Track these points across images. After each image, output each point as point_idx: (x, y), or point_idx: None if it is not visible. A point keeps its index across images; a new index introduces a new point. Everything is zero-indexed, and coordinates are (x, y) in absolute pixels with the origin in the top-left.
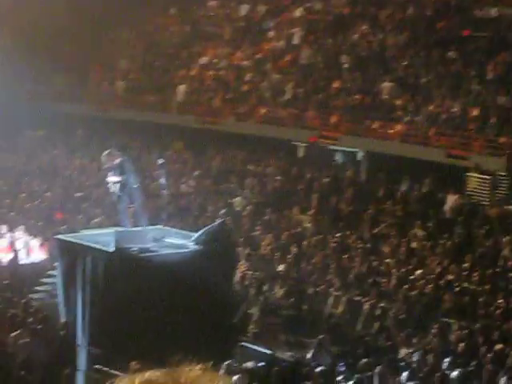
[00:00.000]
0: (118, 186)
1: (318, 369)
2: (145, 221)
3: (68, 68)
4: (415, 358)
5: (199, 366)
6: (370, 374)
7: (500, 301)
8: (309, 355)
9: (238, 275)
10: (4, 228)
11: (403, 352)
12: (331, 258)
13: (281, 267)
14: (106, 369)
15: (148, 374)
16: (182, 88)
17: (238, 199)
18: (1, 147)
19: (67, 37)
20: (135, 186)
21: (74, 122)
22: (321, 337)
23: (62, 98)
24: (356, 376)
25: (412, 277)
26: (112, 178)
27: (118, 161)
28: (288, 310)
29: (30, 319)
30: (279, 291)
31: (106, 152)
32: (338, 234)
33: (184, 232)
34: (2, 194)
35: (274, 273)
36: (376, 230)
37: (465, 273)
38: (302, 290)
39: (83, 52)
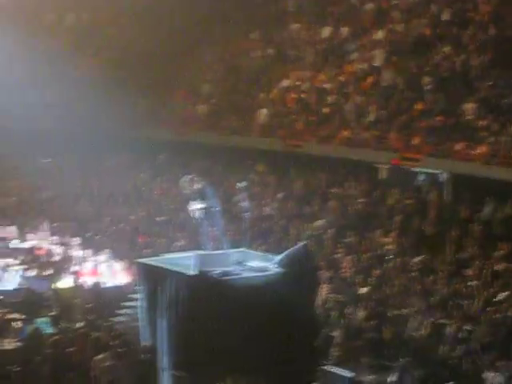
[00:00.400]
0: (200, 210)
1: None
2: (226, 244)
3: (151, 92)
4: (500, 381)
5: None
6: None
7: None
8: (392, 378)
9: (319, 298)
10: (89, 252)
11: (488, 376)
12: (414, 280)
13: (363, 290)
14: None
15: None
16: (264, 111)
17: (320, 222)
18: (85, 172)
19: (150, 61)
20: (216, 210)
21: (156, 147)
22: (404, 360)
23: (144, 123)
24: None
25: (496, 299)
26: (193, 203)
27: (199, 186)
28: (370, 333)
29: (114, 342)
30: (361, 314)
31: (187, 178)
32: (420, 257)
33: (266, 255)
34: (87, 218)
35: (355, 295)
36: (459, 253)
37: None
38: (385, 312)
39: (166, 76)
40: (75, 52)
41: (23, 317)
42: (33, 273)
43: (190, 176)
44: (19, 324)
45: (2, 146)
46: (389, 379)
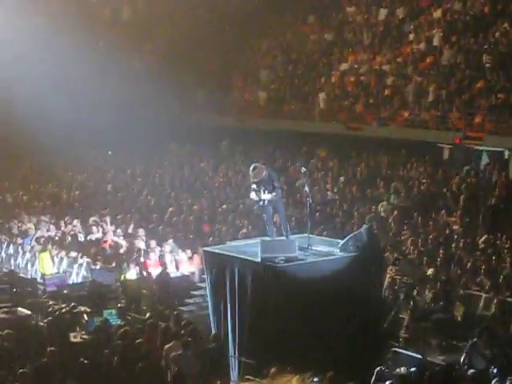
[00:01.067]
0: (264, 197)
1: (470, 372)
2: (290, 230)
3: (211, 80)
4: None
5: (295, 378)
6: None
7: None
8: (462, 359)
9: (386, 280)
10: (153, 242)
11: None
12: (480, 259)
13: (429, 271)
14: (257, 379)
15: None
16: (323, 95)
17: (383, 204)
18: (148, 161)
19: (209, 49)
20: (280, 197)
21: (218, 135)
22: (473, 340)
23: (205, 111)
24: (510, 379)
25: None
26: (257, 191)
27: (263, 173)
28: (438, 314)
29: (182, 332)
30: (429, 295)
31: (253, 165)
32: (486, 235)
33: (330, 239)
34: (150, 208)
35: (423, 276)
36: None
37: None
38: (452, 292)
39: (225, 64)
40: (134, 46)
41: (89, 310)
42: (98, 265)
43: (257, 163)
44: (86, 317)
45: (67, 139)
46: (459, 360)
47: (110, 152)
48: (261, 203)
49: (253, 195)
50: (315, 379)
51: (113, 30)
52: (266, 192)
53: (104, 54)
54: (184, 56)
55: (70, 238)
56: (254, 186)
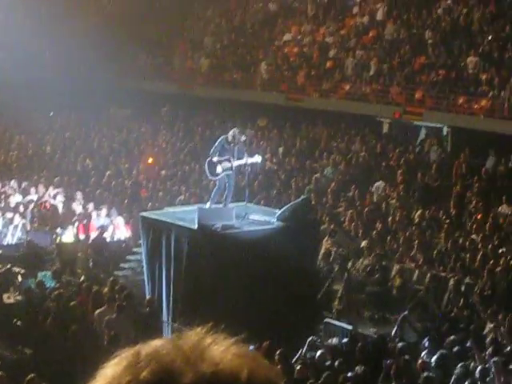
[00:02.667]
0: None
1: (401, 344)
2: (232, 198)
3: (153, 46)
4: (500, 333)
5: (202, 330)
6: (454, 349)
7: None
8: (393, 331)
9: (321, 252)
10: (90, 206)
11: (488, 328)
12: (415, 233)
13: (364, 243)
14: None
15: (153, 344)
16: (265, 65)
17: (322, 175)
18: (86, 125)
19: (152, 15)
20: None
21: (158, 100)
22: (404, 313)
23: (146, 76)
24: (440, 351)
25: (499, 252)
26: (226, 160)
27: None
28: (373, 287)
29: (116, 296)
30: (363, 267)
31: (235, 130)
32: (422, 210)
33: (267, 209)
34: (88, 172)
35: (358, 249)
36: (461, 206)
37: None
38: (386, 266)
39: (168, 30)
40: (77, 9)
41: (24, 271)
42: (35, 227)
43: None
44: (20, 278)
45: (5, 99)
46: (390, 332)
47: (51, 113)
48: (229, 172)
49: (230, 164)
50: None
51: None
52: (235, 160)
53: (46, 15)
54: (128, 21)
55: (5, 199)
56: (217, 157)
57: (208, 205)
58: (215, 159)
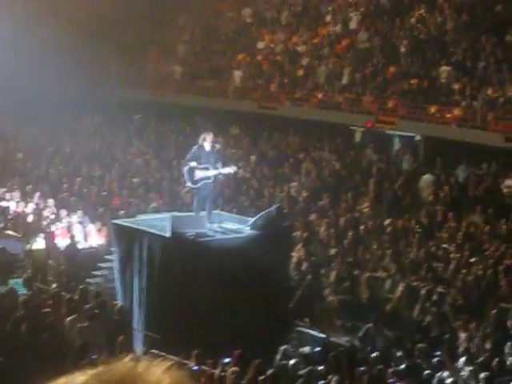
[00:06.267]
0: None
1: (374, 354)
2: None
3: (125, 54)
4: (473, 343)
5: (129, 357)
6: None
7: None
8: (359, 340)
9: (294, 260)
10: (62, 213)
11: (461, 337)
12: (388, 243)
13: (332, 251)
14: (162, 353)
15: (78, 379)
16: (238, 73)
17: (294, 184)
18: (59, 132)
19: (125, 23)
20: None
21: (131, 108)
22: (369, 325)
23: (119, 84)
24: (412, 361)
25: (470, 261)
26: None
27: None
28: (344, 295)
29: (87, 304)
30: (335, 276)
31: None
32: (393, 219)
33: (240, 217)
34: (60, 178)
35: (330, 258)
36: (433, 215)
37: None
38: (359, 274)
39: (141, 37)
40: (48, 15)
41: None
42: (6, 234)
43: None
44: None
45: None
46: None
47: (21, 121)
48: (208, 180)
49: (208, 172)
50: (195, 368)
51: None
52: (214, 168)
53: (19, 23)
54: (100, 29)
55: None
56: (195, 164)
57: (194, 214)
58: (193, 165)
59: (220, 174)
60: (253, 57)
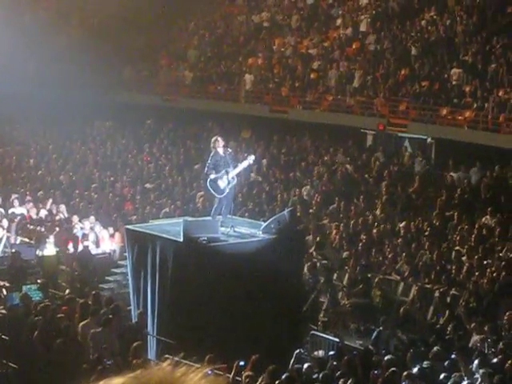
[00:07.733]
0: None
1: (388, 357)
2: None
3: (137, 59)
4: (486, 345)
5: (167, 363)
6: (441, 362)
7: None
8: (371, 343)
9: (307, 264)
10: (75, 219)
11: (474, 340)
12: (401, 245)
13: (345, 254)
14: (176, 359)
15: (115, 381)
16: (249, 77)
17: (306, 188)
18: (70, 137)
19: (136, 28)
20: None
21: (142, 113)
22: (379, 329)
23: (131, 89)
24: (426, 363)
25: (483, 263)
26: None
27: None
28: (358, 299)
29: (102, 310)
30: (349, 279)
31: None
32: (406, 222)
33: (253, 221)
34: (72, 184)
35: (343, 261)
36: (446, 218)
37: None
38: (372, 277)
39: (152, 43)
40: (60, 21)
41: (8, 285)
42: (19, 240)
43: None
44: (5, 292)
45: None
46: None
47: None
48: (233, 183)
49: (230, 175)
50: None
51: (39, 4)
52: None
53: (30, 28)
54: (111, 33)
55: None
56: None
57: (208, 219)
58: (213, 177)
59: (241, 170)
60: (263, 61)
